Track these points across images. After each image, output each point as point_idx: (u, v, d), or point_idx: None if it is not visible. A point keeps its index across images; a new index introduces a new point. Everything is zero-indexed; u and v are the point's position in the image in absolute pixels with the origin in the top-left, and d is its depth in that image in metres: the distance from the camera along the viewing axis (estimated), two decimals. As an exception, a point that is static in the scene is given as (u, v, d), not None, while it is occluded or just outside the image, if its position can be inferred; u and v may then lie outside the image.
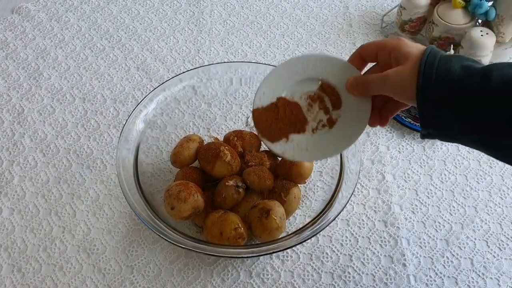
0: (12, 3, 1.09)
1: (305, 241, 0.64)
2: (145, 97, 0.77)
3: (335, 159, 0.73)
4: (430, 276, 0.71)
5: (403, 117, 0.87)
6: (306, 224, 0.67)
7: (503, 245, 0.74)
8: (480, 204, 0.78)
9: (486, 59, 0.90)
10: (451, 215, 0.77)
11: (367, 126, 0.57)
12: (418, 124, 0.84)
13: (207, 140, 0.82)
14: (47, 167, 0.83)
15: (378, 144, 0.86)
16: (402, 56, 0.51)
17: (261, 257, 0.73)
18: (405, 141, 0.86)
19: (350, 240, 0.75)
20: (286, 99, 0.58)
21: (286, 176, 0.75)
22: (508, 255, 0.73)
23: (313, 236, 0.64)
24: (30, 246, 0.74)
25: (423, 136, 0.52)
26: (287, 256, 0.73)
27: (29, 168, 0.83)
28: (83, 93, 0.93)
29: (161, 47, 1.01)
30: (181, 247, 0.63)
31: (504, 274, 0.71)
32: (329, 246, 0.74)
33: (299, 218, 0.75)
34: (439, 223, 0.76)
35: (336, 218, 0.66)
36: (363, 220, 0.77)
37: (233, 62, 0.92)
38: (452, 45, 0.91)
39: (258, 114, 0.59)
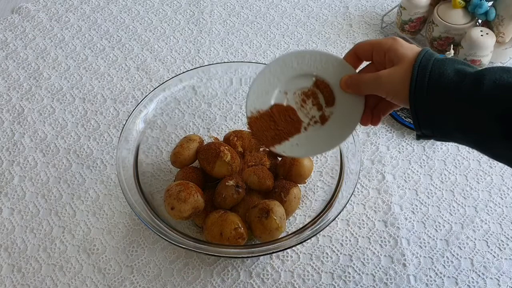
0: (12, 3, 1.09)
1: (305, 241, 0.64)
2: (145, 97, 0.77)
3: (335, 159, 0.73)
4: (430, 276, 0.71)
5: (403, 117, 0.87)
6: (306, 224, 0.67)
7: (503, 245, 0.74)
8: (480, 204, 0.78)
9: (486, 59, 0.90)
10: (451, 215, 0.77)
11: (364, 125, 0.57)
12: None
13: (207, 140, 0.82)
14: (47, 167, 0.83)
15: (378, 144, 0.86)
16: (397, 57, 0.51)
17: (261, 257, 0.73)
18: (405, 141, 0.86)
19: (350, 240, 0.75)
20: (282, 105, 0.58)
21: (286, 176, 0.75)
22: (508, 255, 0.73)
23: (313, 236, 0.64)
24: (30, 246, 0.74)
25: (418, 137, 0.52)
26: (287, 256, 0.73)
27: (29, 168, 0.83)
28: (83, 93, 0.93)
29: (161, 47, 1.01)
30: (181, 247, 0.63)
31: (504, 274, 0.71)
32: (329, 246, 0.74)
33: (299, 218, 0.75)
34: (439, 223, 0.76)
35: (336, 218, 0.66)
36: (363, 220, 0.77)
37: (233, 62, 0.92)
38: (452, 45, 0.91)
39: (254, 122, 0.59)
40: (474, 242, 0.74)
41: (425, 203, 0.79)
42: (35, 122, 0.89)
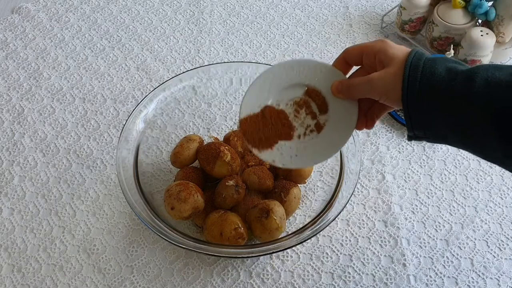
0: (12, 3, 1.09)
1: (305, 241, 0.64)
2: (145, 97, 0.77)
3: (335, 159, 0.73)
4: (430, 276, 0.71)
5: (403, 117, 0.87)
6: (306, 224, 0.67)
7: (503, 245, 0.74)
8: (480, 204, 0.78)
9: (486, 59, 0.90)
10: (451, 215, 0.77)
11: (359, 130, 0.57)
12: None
13: (207, 140, 0.82)
14: (47, 167, 0.83)
15: (378, 144, 0.86)
16: (387, 58, 0.50)
17: (261, 257, 0.73)
18: (405, 141, 0.86)
19: (350, 240, 0.75)
20: (273, 107, 0.58)
21: (286, 176, 0.75)
22: (508, 255, 0.73)
23: (313, 236, 0.64)
24: (30, 246, 0.74)
25: (410, 138, 0.52)
26: (287, 256, 0.73)
27: (29, 168, 0.83)
28: (83, 93, 0.93)
29: (161, 47, 1.01)
30: (181, 247, 0.63)
31: (504, 274, 0.71)
32: (329, 246, 0.74)
33: (299, 218, 0.75)
34: (439, 223, 0.76)
35: (336, 218, 0.66)
36: (363, 220, 0.77)
37: (233, 62, 0.92)
38: (452, 45, 0.91)
39: (246, 124, 0.58)
40: (474, 242, 0.74)
41: (425, 203, 0.79)
42: (35, 122, 0.89)
